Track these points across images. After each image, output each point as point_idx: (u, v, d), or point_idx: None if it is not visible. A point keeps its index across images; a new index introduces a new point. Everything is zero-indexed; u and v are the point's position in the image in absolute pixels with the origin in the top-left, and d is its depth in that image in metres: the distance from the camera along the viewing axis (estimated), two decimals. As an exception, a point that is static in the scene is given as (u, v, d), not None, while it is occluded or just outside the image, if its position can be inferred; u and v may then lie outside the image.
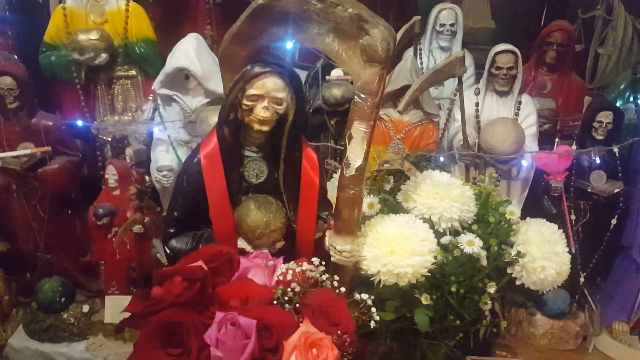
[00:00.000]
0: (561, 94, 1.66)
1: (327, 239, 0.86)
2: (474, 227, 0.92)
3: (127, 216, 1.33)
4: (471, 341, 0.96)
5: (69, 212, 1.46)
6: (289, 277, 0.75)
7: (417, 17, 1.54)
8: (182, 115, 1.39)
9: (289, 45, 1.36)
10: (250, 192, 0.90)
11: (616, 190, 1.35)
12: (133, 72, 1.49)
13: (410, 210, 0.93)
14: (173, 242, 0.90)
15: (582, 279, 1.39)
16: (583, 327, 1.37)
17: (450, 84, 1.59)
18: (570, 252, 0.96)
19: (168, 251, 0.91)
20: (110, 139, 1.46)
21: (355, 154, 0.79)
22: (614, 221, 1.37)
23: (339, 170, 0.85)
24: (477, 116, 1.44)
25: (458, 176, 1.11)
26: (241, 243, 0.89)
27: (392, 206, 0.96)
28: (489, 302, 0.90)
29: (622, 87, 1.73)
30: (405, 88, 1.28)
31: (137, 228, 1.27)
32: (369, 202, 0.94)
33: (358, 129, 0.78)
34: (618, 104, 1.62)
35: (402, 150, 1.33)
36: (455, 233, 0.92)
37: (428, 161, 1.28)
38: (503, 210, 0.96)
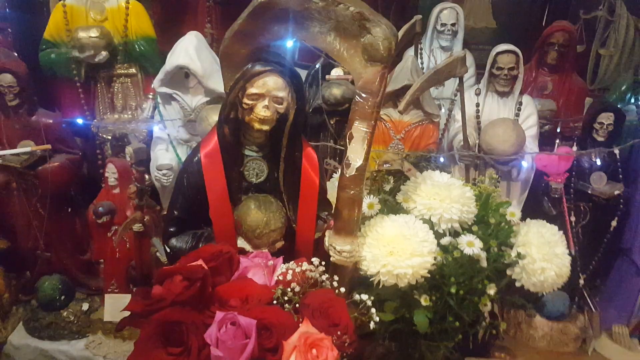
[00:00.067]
0: (562, 95, 1.65)
1: (326, 239, 0.86)
2: (474, 228, 0.92)
3: (126, 215, 1.33)
4: (470, 343, 0.96)
5: (69, 210, 1.46)
6: (288, 277, 0.75)
7: (418, 17, 1.53)
8: (182, 113, 1.38)
9: (289, 44, 1.35)
10: (250, 191, 0.90)
11: (616, 192, 1.35)
12: (133, 70, 1.49)
13: (410, 211, 0.93)
14: (173, 241, 0.90)
15: (581, 281, 1.38)
16: (582, 329, 1.37)
17: (451, 84, 1.59)
18: (569, 253, 0.96)
19: (168, 250, 0.91)
20: (110, 137, 1.46)
21: (355, 154, 0.79)
22: (614, 223, 1.36)
23: (339, 170, 0.84)
24: (478, 117, 1.44)
25: (458, 177, 1.10)
26: (241, 242, 0.89)
27: (392, 206, 0.96)
28: (489, 303, 0.90)
29: (623, 88, 1.72)
30: (406, 88, 1.28)
31: (136, 226, 1.27)
32: (369, 202, 0.94)
33: (359, 129, 0.78)
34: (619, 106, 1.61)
35: (402, 151, 1.33)
36: (455, 234, 0.92)
37: (428, 161, 1.28)
38: (503, 211, 0.96)
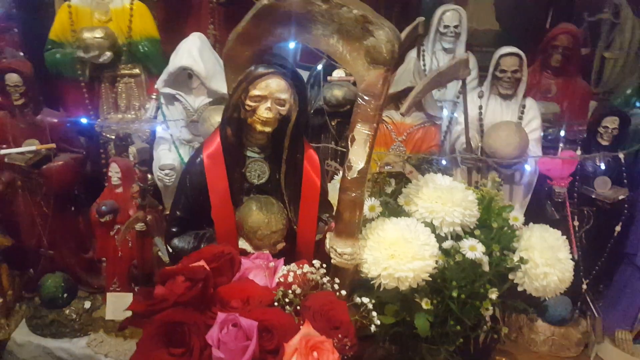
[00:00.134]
0: (566, 98, 1.64)
1: (327, 241, 0.86)
2: (476, 232, 0.92)
3: (129, 214, 1.33)
4: (471, 346, 0.96)
5: (72, 208, 1.47)
6: (289, 279, 0.75)
7: (421, 18, 1.52)
8: (184, 114, 1.39)
9: (291, 45, 1.36)
10: (252, 192, 0.90)
11: (621, 197, 1.34)
12: (137, 71, 1.49)
13: (411, 214, 0.93)
14: (175, 241, 0.91)
15: (584, 286, 1.37)
16: (585, 334, 1.36)
17: (454, 87, 1.58)
18: (572, 258, 0.95)
19: (170, 250, 0.92)
20: (113, 137, 1.47)
21: (357, 156, 0.79)
22: (618, 228, 1.36)
23: (340, 171, 0.84)
24: (481, 119, 1.43)
25: (460, 180, 1.10)
26: (242, 243, 0.89)
27: (393, 209, 0.96)
28: (490, 308, 0.90)
29: (628, 92, 1.71)
30: (408, 90, 1.27)
31: (139, 226, 1.28)
32: (370, 204, 0.94)
33: (361, 131, 0.78)
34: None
35: (403, 153, 1.32)
36: (457, 238, 0.91)
37: (430, 164, 1.27)
38: (506, 215, 0.95)
